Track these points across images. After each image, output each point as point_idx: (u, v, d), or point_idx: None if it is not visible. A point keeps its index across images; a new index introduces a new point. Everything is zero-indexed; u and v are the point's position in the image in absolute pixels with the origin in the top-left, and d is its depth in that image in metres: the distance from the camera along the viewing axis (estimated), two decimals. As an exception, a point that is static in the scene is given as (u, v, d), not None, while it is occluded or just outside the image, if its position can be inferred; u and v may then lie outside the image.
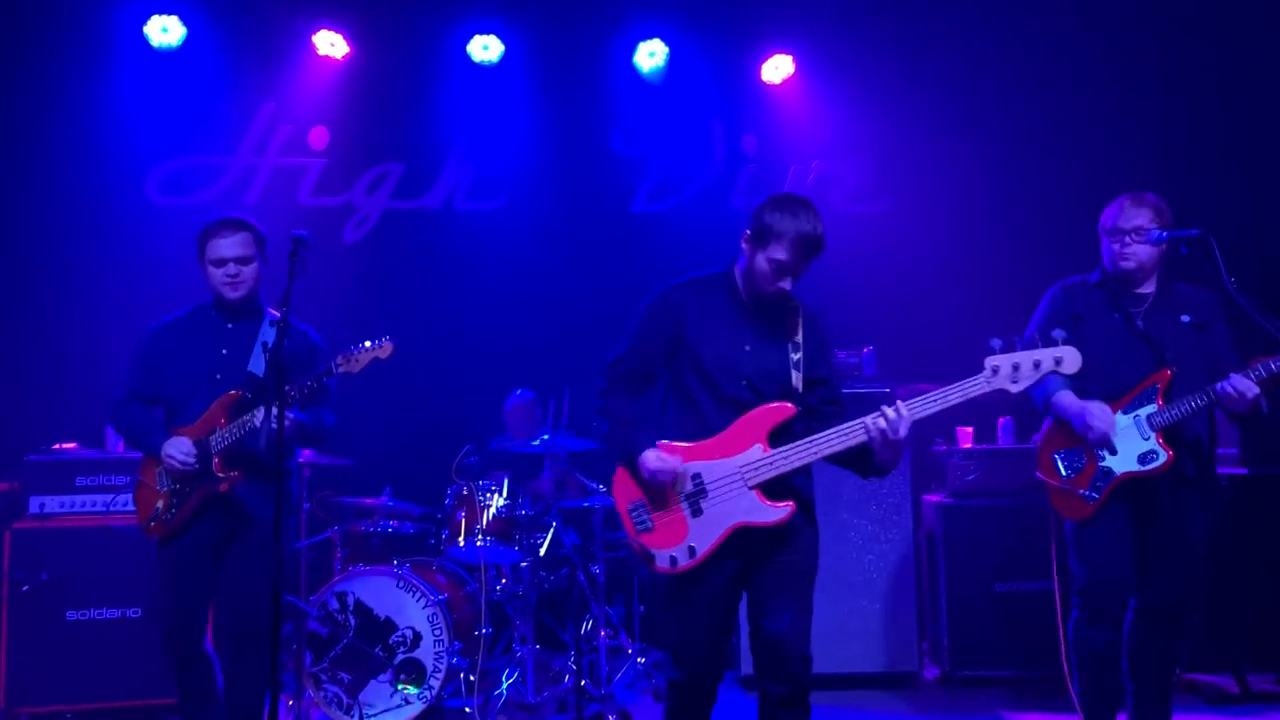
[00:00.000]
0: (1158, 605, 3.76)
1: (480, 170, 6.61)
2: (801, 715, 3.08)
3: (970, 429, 5.53)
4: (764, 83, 6.64)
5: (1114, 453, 3.66)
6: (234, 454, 3.67)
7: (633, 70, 6.60)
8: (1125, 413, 3.68)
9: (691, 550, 3.07)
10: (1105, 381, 3.72)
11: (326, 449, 5.17)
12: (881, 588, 5.29)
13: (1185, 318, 3.76)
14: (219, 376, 3.76)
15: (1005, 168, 6.38)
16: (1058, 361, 2.98)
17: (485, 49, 6.50)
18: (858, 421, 2.99)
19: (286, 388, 3.44)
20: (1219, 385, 3.56)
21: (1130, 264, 3.76)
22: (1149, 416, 3.66)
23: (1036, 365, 2.98)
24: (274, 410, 3.33)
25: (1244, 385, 3.52)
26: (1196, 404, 3.61)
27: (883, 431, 2.95)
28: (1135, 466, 3.65)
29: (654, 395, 3.28)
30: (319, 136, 6.54)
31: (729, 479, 3.06)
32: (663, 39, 6.53)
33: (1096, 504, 3.67)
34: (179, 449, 3.67)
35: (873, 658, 5.26)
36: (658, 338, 3.20)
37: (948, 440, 5.57)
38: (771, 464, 3.05)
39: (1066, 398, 3.74)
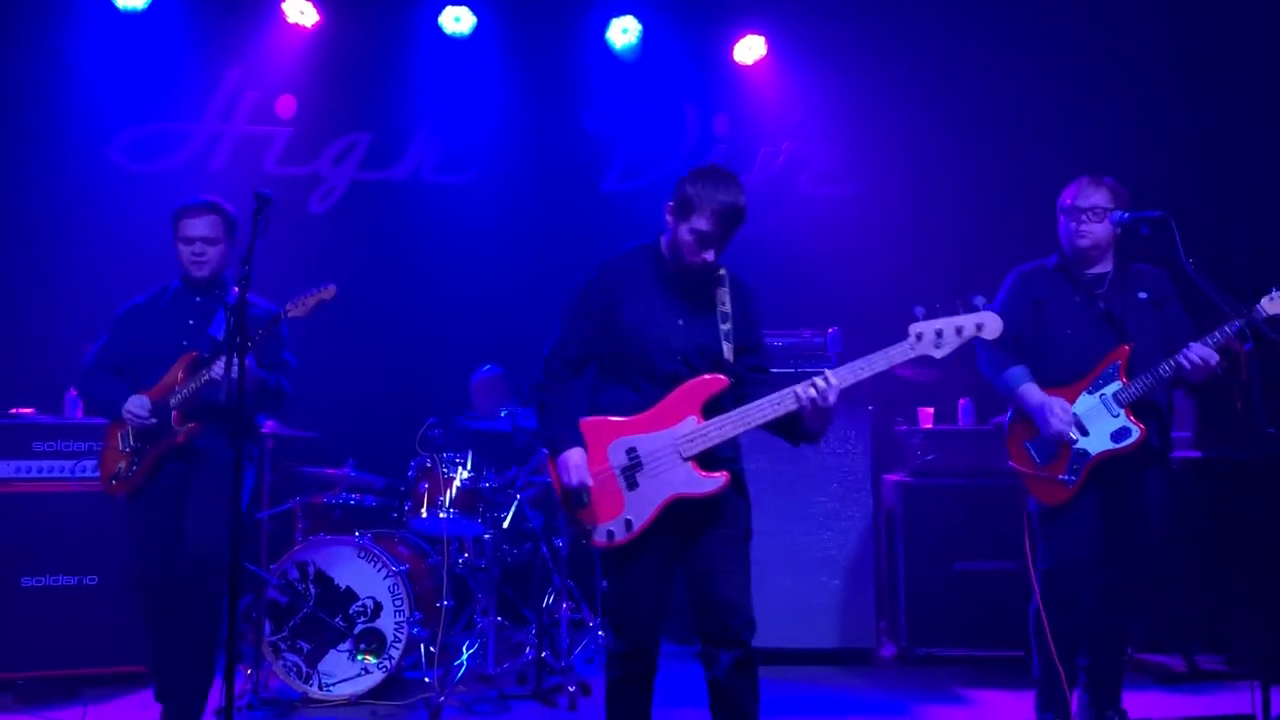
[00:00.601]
0: (1120, 585, 3.81)
1: (449, 143, 6.58)
2: (750, 678, 3.13)
3: (931, 410, 5.59)
4: (736, 63, 6.65)
5: (1086, 434, 3.71)
6: (191, 407, 3.89)
7: (605, 47, 6.58)
8: (1090, 392, 3.73)
9: (628, 524, 3.10)
10: (1070, 363, 3.78)
11: (290, 420, 5.14)
12: (841, 565, 5.34)
13: (1142, 294, 3.84)
14: (185, 343, 4.00)
15: (974, 151, 6.42)
16: (979, 327, 3.03)
17: (457, 20, 6.46)
18: (788, 390, 3.05)
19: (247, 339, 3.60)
20: (1181, 355, 3.62)
21: (1086, 241, 3.83)
22: (1115, 393, 3.71)
23: (959, 331, 3.03)
24: (234, 362, 3.47)
25: (1205, 353, 3.59)
26: (1160, 376, 3.67)
27: (813, 400, 3.01)
28: (1110, 445, 3.70)
29: (588, 374, 3.28)
30: (286, 105, 6.48)
31: (664, 451, 3.09)
32: (636, 16, 6.52)
33: (1076, 486, 3.71)
34: (137, 405, 3.90)
35: (830, 634, 5.32)
36: (592, 317, 3.20)
37: (909, 421, 5.62)
38: (706, 435, 3.08)
39: (1031, 392, 3.79)
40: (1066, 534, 3.76)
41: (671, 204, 3.16)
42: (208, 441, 3.95)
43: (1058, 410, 3.71)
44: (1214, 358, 3.60)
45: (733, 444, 3.20)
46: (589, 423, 3.16)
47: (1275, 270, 5.51)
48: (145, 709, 4.39)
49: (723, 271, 3.25)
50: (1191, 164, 5.99)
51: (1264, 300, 3.61)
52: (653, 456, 3.09)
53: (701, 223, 3.07)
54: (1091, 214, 3.80)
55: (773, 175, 6.68)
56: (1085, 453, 3.71)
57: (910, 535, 5.35)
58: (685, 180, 3.14)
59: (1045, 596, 3.79)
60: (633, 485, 3.11)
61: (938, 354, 3.04)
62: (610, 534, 3.11)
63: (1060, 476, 3.73)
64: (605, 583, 3.38)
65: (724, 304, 3.20)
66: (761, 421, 3.08)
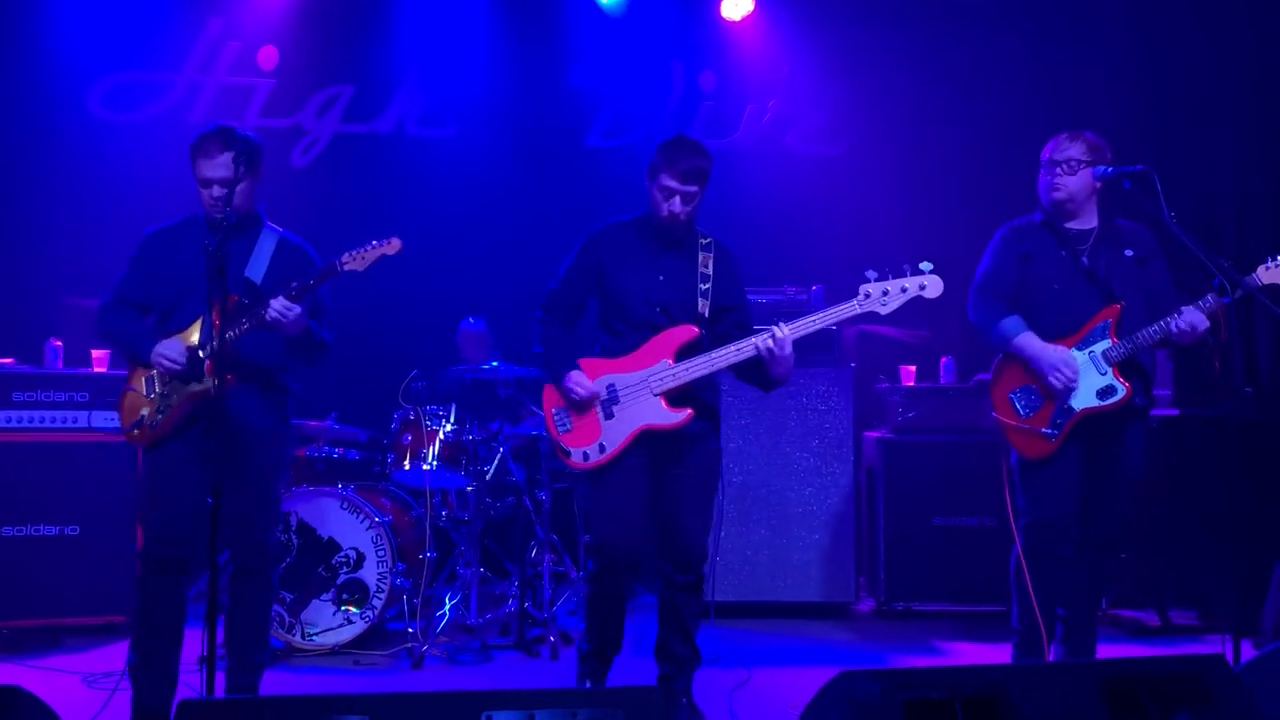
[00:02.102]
0: (1099, 538, 3.84)
1: (434, 96, 6.52)
2: (696, 599, 3.66)
3: (913, 368, 5.63)
4: (724, 19, 6.59)
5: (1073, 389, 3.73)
6: (228, 358, 3.47)
7: (592, 1, 6.51)
8: (1080, 349, 3.75)
9: (601, 447, 3.54)
10: (1057, 318, 3.79)
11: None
12: (821, 520, 5.40)
13: (1129, 252, 3.84)
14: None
15: (962, 110, 6.41)
16: (922, 288, 3.48)
17: (442, -29, 6.39)
18: (748, 340, 3.50)
19: (294, 284, 3.47)
20: (1171, 320, 3.63)
21: (1060, 194, 3.83)
22: (1104, 352, 3.72)
23: (903, 290, 3.49)
24: (282, 303, 3.40)
25: (1196, 318, 3.61)
26: (1150, 338, 3.69)
27: (769, 349, 3.45)
28: (1095, 402, 3.71)
29: (585, 326, 3.77)
30: (268, 56, 6.40)
31: (637, 387, 3.54)
32: (623, -31, 6.46)
33: (1058, 440, 3.73)
34: (170, 350, 3.52)
35: (810, 588, 5.38)
36: (585, 273, 3.70)
37: (891, 379, 5.66)
38: (674, 374, 3.52)
39: (1031, 341, 3.78)
40: (1047, 488, 3.78)
41: (647, 170, 3.63)
42: (241, 404, 3.54)
43: (1064, 358, 3.72)
44: (1204, 323, 3.62)
45: (712, 389, 3.67)
46: (581, 363, 3.60)
47: (1260, 231, 5.58)
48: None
49: (708, 240, 3.69)
50: (1182, 121, 5.99)
51: (1259, 269, 3.62)
52: (628, 392, 3.55)
53: (666, 179, 3.54)
54: (1065, 166, 3.81)
55: (759, 133, 6.66)
56: (1070, 408, 3.73)
57: (890, 491, 5.40)
58: (657, 149, 3.61)
59: (1026, 549, 3.83)
60: (610, 416, 3.55)
61: (883, 310, 3.50)
62: (586, 455, 3.56)
63: (1044, 430, 3.75)
64: (588, 537, 3.79)
65: (706, 267, 3.64)
66: (725, 364, 3.52)
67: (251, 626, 3.71)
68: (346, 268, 3.51)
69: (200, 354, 3.53)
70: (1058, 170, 3.82)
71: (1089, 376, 3.73)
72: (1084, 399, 3.73)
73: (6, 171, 6.01)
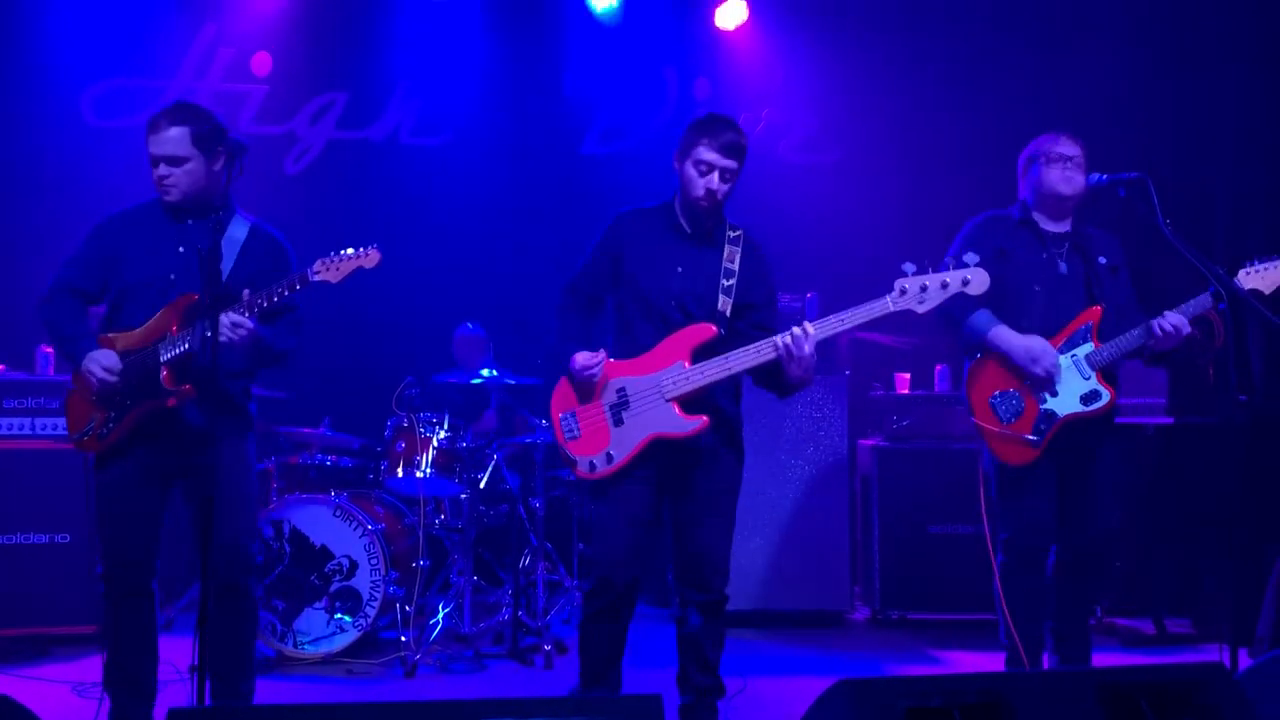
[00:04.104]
0: (1081, 546, 3.81)
1: (427, 104, 6.52)
2: (717, 621, 3.37)
3: (908, 375, 5.62)
4: (718, 28, 6.61)
5: (1054, 394, 3.65)
6: (186, 366, 3.22)
7: (586, 9, 6.52)
8: (1062, 352, 3.68)
9: (609, 457, 3.26)
10: (1039, 320, 3.71)
11: (265, 380, 5.10)
12: (816, 528, 5.38)
13: (1102, 259, 3.81)
14: (173, 277, 3.32)
15: (955, 120, 6.42)
16: (965, 283, 3.10)
17: (437, -22, 6.39)
18: (767, 340, 3.17)
19: (251, 293, 3.17)
20: (1155, 322, 3.60)
21: (1070, 189, 3.76)
22: (1087, 356, 3.67)
23: (944, 286, 3.11)
24: (231, 320, 3.08)
25: (1179, 321, 3.58)
26: (1134, 341, 3.65)
27: (788, 347, 3.12)
28: (1079, 407, 3.65)
29: (601, 321, 3.48)
30: (262, 62, 6.39)
31: (649, 391, 3.24)
32: (617, -23, 6.46)
33: (1040, 447, 3.64)
34: (100, 362, 3.22)
35: (804, 596, 5.36)
36: (603, 261, 3.42)
37: (885, 386, 5.65)
38: (688, 378, 3.21)
39: (1006, 333, 3.66)
40: (1029, 498, 3.70)
41: (677, 151, 3.34)
42: (202, 417, 3.23)
43: (1040, 347, 3.62)
44: (1186, 327, 3.59)
45: (732, 397, 3.38)
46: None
47: (1255, 237, 5.60)
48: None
49: (738, 233, 3.40)
50: (1174, 129, 6.01)
51: (1240, 273, 3.59)
52: (639, 396, 3.25)
53: (705, 152, 3.24)
54: (1074, 162, 3.76)
55: (753, 141, 6.54)
56: (1053, 413, 3.64)
57: (885, 499, 5.39)
58: (688, 127, 3.33)
59: (1008, 563, 3.78)
60: (619, 422, 3.26)
61: (920, 309, 3.13)
62: (592, 465, 3.28)
63: (1026, 435, 3.65)
64: (582, 545, 3.52)
65: (732, 262, 3.33)
66: (742, 368, 3.20)
67: (235, 649, 3.41)
68: (318, 278, 3.19)
69: (157, 358, 3.23)
70: (1069, 164, 3.76)
71: (1072, 381, 3.66)
72: (1068, 404, 3.65)
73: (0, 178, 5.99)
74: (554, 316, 3.45)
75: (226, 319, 3.09)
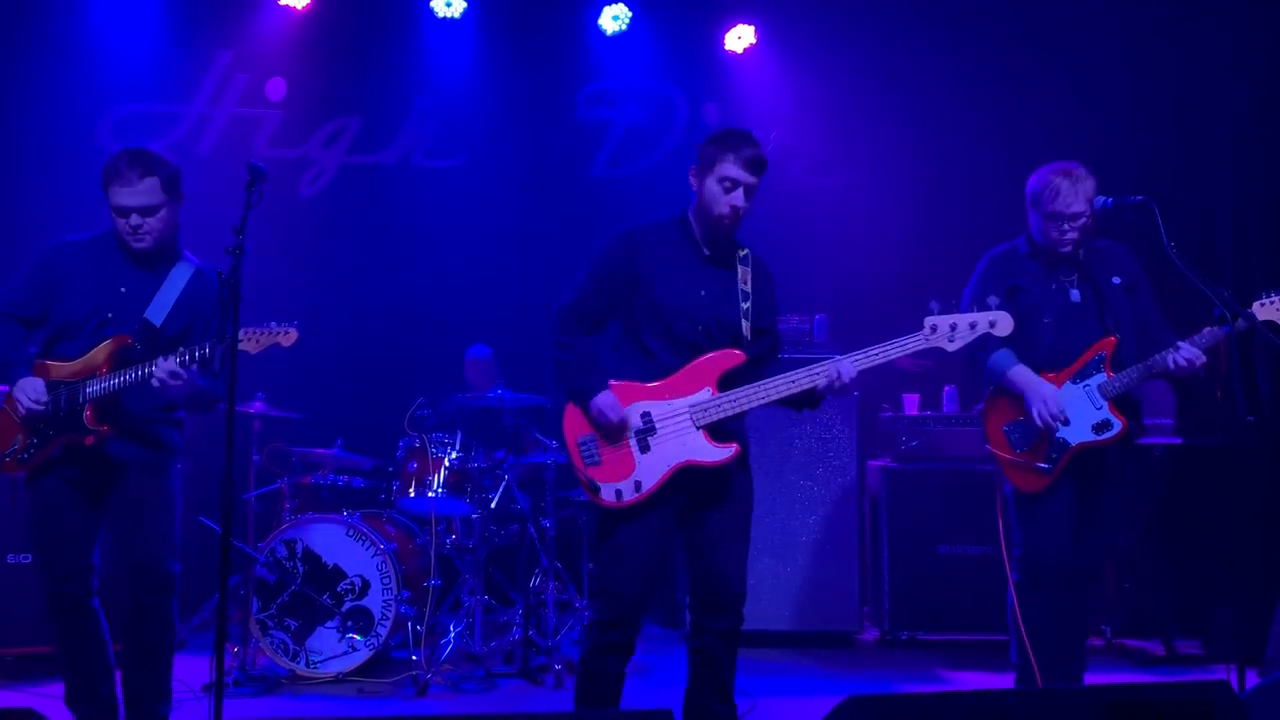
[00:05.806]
0: (1084, 568, 3.83)
1: (440, 127, 6.60)
2: (732, 649, 3.28)
3: (916, 396, 5.64)
4: (726, 51, 6.69)
5: (1066, 423, 3.68)
6: (109, 407, 3.31)
7: (597, 32, 6.60)
8: (1075, 382, 3.71)
9: (638, 485, 3.16)
10: (1051, 352, 3.75)
11: (278, 401, 5.16)
12: (825, 549, 5.39)
13: (1116, 279, 3.82)
14: (110, 315, 3.37)
15: (963, 143, 6.47)
16: (992, 324, 3.24)
17: (448, 4, 6.46)
18: (805, 371, 3.17)
19: (184, 349, 3.24)
20: (1169, 356, 3.61)
21: (1069, 248, 3.78)
22: (1100, 385, 3.69)
23: (972, 326, 3.23)
24: (169, 370, 3.17)
25: (1193, 354, 3.60)
26: (1147, 372, 3.67)
27: (832, 382, 3.15)
28: (1091, 436, 3.68)
29: (606, 339, 3.36)
30: (276, 87, 6.48)
31: (678, 418, 3.17)
32: (626, 3, 6.54)
33: (1053, 475, 3.69)
34: (28, 392, 3.27)
35: (813, 617, 5.37)
36: (612, 279, 3.28)
37: (894, 407, 5.68)
38: (720, 406, 3.17)
39: (1022, 373, 3.73)
40: (1043, 521, 3.74)
41: (694, 167, 3.26)
42: (122, 452, 3.36)
43: (1048, 395, 3.67)
44: (1201, 359, 3.61)
45: (740, 421, 3.28)
46: (611, 385, 3.21)
47: (1258, 258, 5.62)
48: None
49: (746, 252, 3.35)
50: (1176, 149, 6.05)
51: (1255, 305, 3.59)
52: (666, 422, 3.18)
53: (729, 168, 3.17)
54: (1073, 220, 3.73)
55: (761, 164, 6.70)
56: (1065, 442, 3.69)
57: (894, 520, 5.40)
58: (707, 140, 3.26)
59: (1021, 581, 3.81)
60: (645, 449, 3.17)
61: (950, 348, 3.24)
62: (619, 493, 3.16)
63: (1039, 464, 3.71)
64: (594, 553, 3.40)
65: (745, 283, 3.29)
66: (777, 398, 3.19)
67: (150, 671, 3.42)
68: (240, 347, 3.20)
69: (83, 394, 3.29)
70: (1066, 225, 3.73)
71: (1084, 410, 3.69)
72: (1079, 433, 3.69)
73: (17, 200, 6.07)
74: (556, 340, 3.28)
75: (166, 367, 3.20)
